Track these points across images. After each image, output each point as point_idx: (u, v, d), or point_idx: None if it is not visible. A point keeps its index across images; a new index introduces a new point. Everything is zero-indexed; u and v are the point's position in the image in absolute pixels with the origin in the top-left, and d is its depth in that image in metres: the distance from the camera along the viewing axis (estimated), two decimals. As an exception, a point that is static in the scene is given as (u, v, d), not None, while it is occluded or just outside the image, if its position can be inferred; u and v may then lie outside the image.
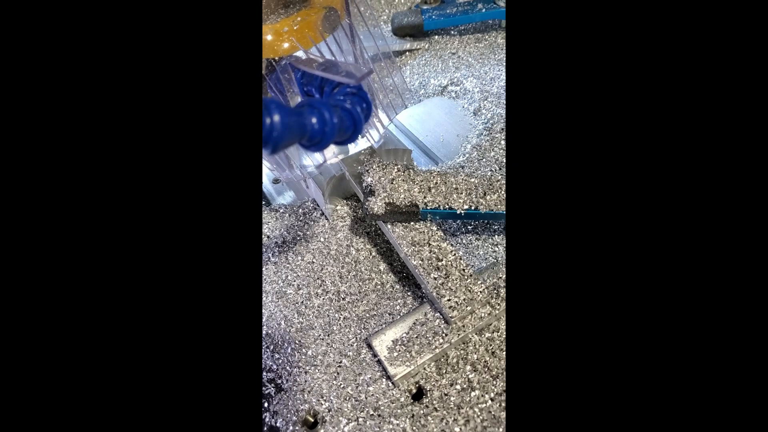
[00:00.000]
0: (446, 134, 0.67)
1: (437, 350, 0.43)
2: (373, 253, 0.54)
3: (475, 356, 0.43)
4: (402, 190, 0.49)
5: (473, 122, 0.67)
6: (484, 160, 0.60)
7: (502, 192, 0.49)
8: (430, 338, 0.44)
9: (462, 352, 0.44)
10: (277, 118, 0.23)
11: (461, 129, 0.67)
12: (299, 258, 0.53)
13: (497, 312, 0.44)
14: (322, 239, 0.55)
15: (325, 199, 0.56)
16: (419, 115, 0.70)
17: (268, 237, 0.56)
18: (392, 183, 0.49)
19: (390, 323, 0.46)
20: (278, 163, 0.52)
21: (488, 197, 0.49)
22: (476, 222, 0.54)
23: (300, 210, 0.59)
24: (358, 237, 0.55)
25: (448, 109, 0.70)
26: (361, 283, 0.51)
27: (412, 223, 0.49)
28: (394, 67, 0.51)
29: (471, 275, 0.45)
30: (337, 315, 0.48)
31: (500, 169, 0.58)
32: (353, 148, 0.64)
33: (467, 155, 0.62)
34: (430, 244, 0.47)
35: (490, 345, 0.44)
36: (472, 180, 0.50)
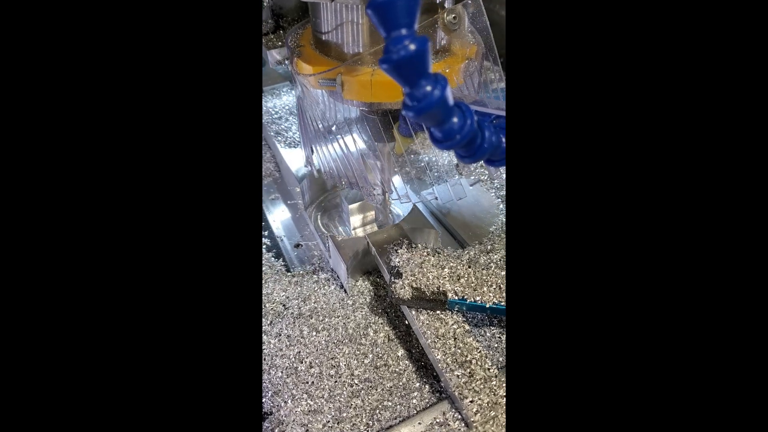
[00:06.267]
0: (472, 216, 0.66)
1: (455, 457, 0.40)
2: (392, 336, 0.51)
3: (495, 468, 0.40)
4: (431, 276, 0.47)
5: (501, 205, 0.67)
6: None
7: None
8: (448, 442, 0.41)
9: (481, 461, 0.41)
10: (437, 92, 0.24)
11: (487, 211, 0.66)
12: (314, 333, 0.51)
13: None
14: (340, 315, 0.53)
15: (347, 273, 0.54)
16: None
17: (285, 307, 0.54)
18: (421, 267, 0.48)
19: (405, 419, 0.44)
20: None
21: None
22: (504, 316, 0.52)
23: (320, 276, 0.57)
24: (377, 316, 0.53)
25: (475, 190, 0.70)
26: (376, 370, 0.48)
27: (437, 311, 0.47)
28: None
29: (496, 376, 0.43)
30: (348, 401, 0.46)
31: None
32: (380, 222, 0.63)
33: (493, 239, 0.61)
34: (455, 338, 0.45)
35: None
36: (503, 273, 0.48)
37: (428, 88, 0.24)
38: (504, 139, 0.30)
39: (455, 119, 0.27)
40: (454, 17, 0.41)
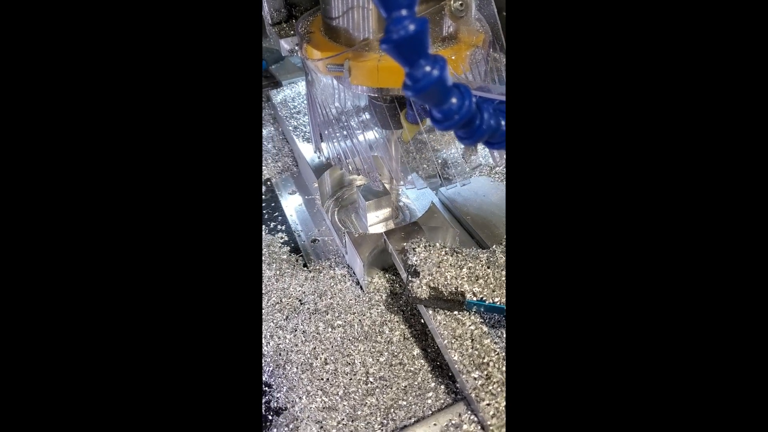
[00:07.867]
0: (491, 215, 0.65)
1: (470, 459, 0.40)
2: (407, 335, 0.51)
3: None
4: (449, 276, 0.47)
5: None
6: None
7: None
8: (464, 444, 0.40)
9: (496, 464, 0.40)
10: (436, 72, 0.25)
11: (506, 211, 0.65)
12: (330, 329, 0.51)
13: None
14: (355, 311, 0.53)
15: (363, 270, 0.54)
16: (464, 193, 0.69)
17: (301, 302, 0.54)
18: (438, 266, 0.47)
19: (420, 419, 0.43)
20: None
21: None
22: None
23: (336, 272, 0.57)
24: (393, 314, 0.53)
25: (494, 189, 0.69)
26: (391, 368, 0.48)
27: (455, 312, 0.46)
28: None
29: (513, 379, 0.42)
30: (363, 399, 0.45)
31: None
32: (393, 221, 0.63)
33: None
34: (472, 339, 0.44)
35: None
36: (522, 275, 0.47)
37: (427, 68, 0.25)
38: (503, 122, 0.31)
39: (454, 99, 0.28)
40: (461, 4, 0.41)
